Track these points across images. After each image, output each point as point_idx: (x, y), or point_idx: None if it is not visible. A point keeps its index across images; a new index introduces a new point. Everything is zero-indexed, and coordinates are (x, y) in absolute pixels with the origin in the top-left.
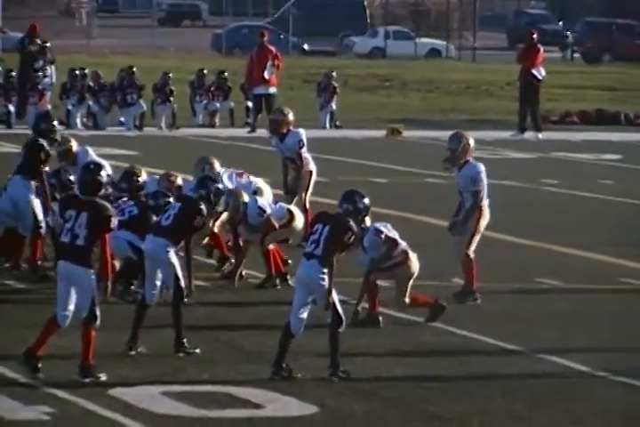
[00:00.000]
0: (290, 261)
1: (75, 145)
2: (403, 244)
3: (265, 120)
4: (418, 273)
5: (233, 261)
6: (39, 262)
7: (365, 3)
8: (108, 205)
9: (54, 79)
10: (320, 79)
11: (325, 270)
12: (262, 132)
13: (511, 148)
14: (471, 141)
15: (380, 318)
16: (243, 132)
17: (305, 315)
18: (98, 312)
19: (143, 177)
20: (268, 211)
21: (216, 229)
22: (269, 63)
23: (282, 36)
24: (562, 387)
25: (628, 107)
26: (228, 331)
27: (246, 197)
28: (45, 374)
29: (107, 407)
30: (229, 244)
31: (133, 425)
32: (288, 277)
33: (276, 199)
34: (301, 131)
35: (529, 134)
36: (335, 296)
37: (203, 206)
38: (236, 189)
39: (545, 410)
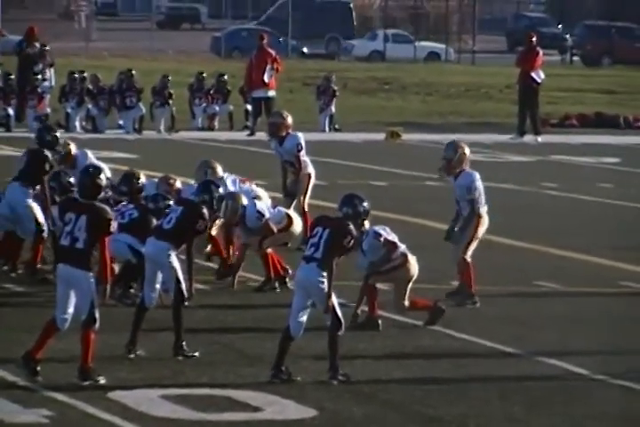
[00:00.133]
0: (290, 272)
1: (74, 148)
2: (402, 247)
3: (264, 123)
4: (417, 276)
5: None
6: (38, 265)
7: (352, 5)
8: (107, 208)
9: (53, 82)
10: (319, 82)
11: (325, 274)
12: (261, 135)
13: (510, 151)
14: (467, 151)
15: (380, 322)
16: (242, 135)
17: (304, 318)
18: (97, 315)
19: (142, 180)
20: (267, 215)
21: (214, 233)
22: (269, 66)
23: (281, 39)
24: (560, 390)
25: (627, 110)
26: (227, 334)
27: (245, 200)
28: (44, 377)
29: (105, 410)
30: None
31: None
32: (287, 280)
33: (275, 203)
34: (300, 134)
35: (528, 137)
36: (334, 299)
37: (205, 210)
38: (236, 193)
39: (543, 413)
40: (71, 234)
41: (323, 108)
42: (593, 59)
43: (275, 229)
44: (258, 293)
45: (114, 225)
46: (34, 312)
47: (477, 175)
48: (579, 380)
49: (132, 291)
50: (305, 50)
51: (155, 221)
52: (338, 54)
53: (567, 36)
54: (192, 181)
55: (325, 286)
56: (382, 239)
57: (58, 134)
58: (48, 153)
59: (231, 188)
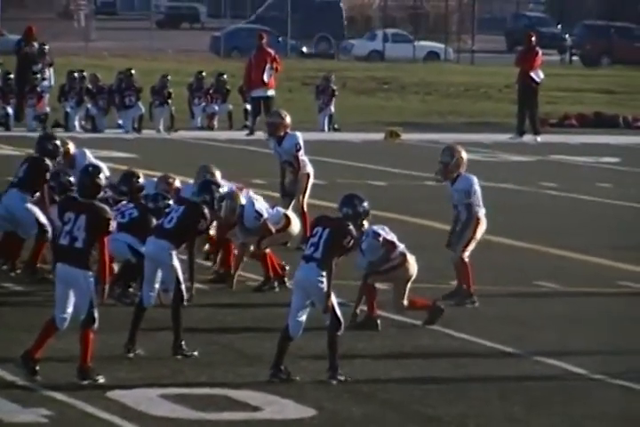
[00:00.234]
0: (287, 268)
1: (72, 147)
2: (401, 246)
3: (263, 123)
4: (416, 276)
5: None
6: (37, 265)
7: (341, 4)
8: (106, 207)
9: (53, 82)
10: (319, 82)
11: (324, 274)
12: (261, 134)
13: (510, 150)
14: (464, 155)
15: (379, 321)
16: (241, 134)
17: (303, 318)
18: (96, 315)
19: (142, 179)
20: (265, 215)
21: (212, 232)
22: (268, 66)
23: (280, 39)
24: (559, 390)
25: (626, 110)
26: (226, 333)
27: (243, 200)
28: (43, 376)
29: (105, 410)
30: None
31: None
32: (286, 279)
33: (274, 203)
34: (298, 134)
35: (527, 137)
36: (334, 299)
37: (206, 210)
38: (234, 191)
39: (542, 413)
40: (70, 233)
41: (322, 107)
42: (592, 59)
43: (273, 230)
44: (257, 292)
45: (113, 224)
46: (33, 311)
47: (475, 179)
48: (578, 380)
49: (130, 290)
50: (304, 49)
51: (154, 221)
52: (328, 54)
53: (566, 35)
54: (191, 181)
55: (325, 285)
56: (381, 239)
57: (58, 143)
58: (49, 162)
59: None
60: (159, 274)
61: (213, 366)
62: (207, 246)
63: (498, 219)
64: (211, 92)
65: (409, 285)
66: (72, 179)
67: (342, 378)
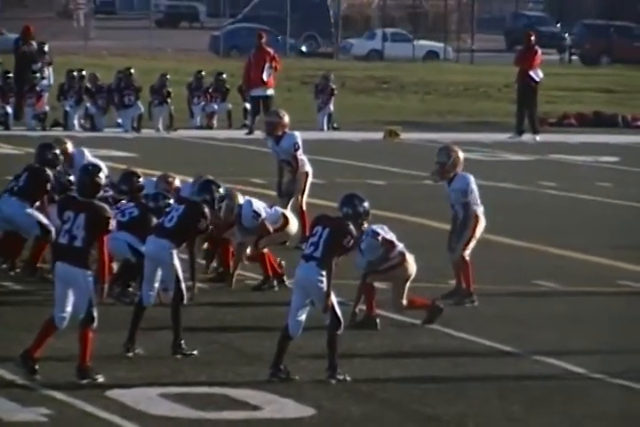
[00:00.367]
0: (283, 263)
1: (70, 146)
2: (400, 246)
3: (263, 122)
4: (415, 275)
5: (213, 266)
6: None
7: (329, 2)
8: (106, 206)
9: (52, 81)
10: (318, 81)
11: (324, 273)
12: (260, 133)
13: (509, 150)
14: (460, 155)
15: (378, 320)
16: (240, 133)
17: (303, 317)
18: (95, 314)
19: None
20: (263, 215)
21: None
22: (267, 65)
23: (279, 38)
24: (559, 389)
25: (625, 109)
26: (225, 333)
27: (241, 199)
28: (43, 375)
29: (104, 409)
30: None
31: None
32: (285, 278)
33: (271, 203)
34: (297, 133)
35: (527, 136)
36: (334, 299)
37: (206, 209)
38: (232, 191)
39: (542, 412)
40: (69, 232)
41: (321, 106)
42: (591, 58)
43: (271, 229)
44: (256, 291)
45: (112, 223)
46: (32, 311)
47: (472, 178)
48: (578, 379)
49: (130, 289)
50: (304, 48)
51: (155, 220)
52: (316, 52)
53: (566, 35)
54: (190, 180)
55: (324, 285)
56: (380, 238)
57: (58, 152)
58: (50, 172)
59: None
60: (159, 273)
61: (213, 365)
62: (206, 245)
63: (497, 218)
64: (210, 91)
65: (408, 284)
66: (72, 178)
67: (341, 377)
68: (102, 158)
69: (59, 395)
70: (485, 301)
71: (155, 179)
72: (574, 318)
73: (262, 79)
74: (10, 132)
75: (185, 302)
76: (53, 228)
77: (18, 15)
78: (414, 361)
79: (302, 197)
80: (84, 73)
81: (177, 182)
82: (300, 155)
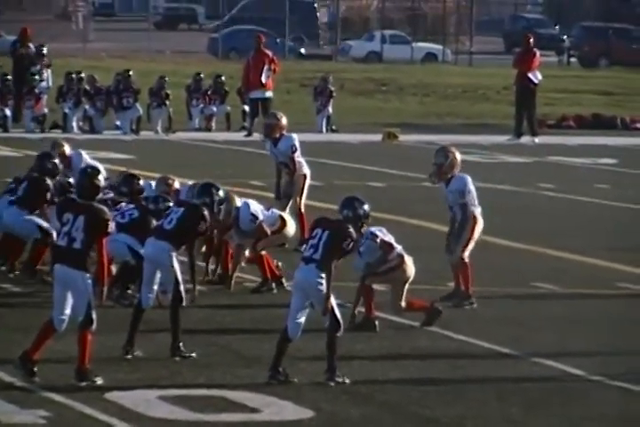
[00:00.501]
0: (280, 264)
1: (68, 149)
2: (398, 248)
3: (261, 124)
4: (414, 277)
5: (211, 268)
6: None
7: (316, 5)
8: (105, 208)
9: (51, 83)
10: (316, 83)
11: (323, 275)
12: (258, 136)
13: (507, 152)
14: (458, 156)
15: (377, 322)
16: (239, 136)
17: (302, 319)
18: (94, 316)
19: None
20: (261, 217)
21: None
22: (266, 67)
23: (278, 40)
24: (558, 391)
25: (624, 111)
26: (224, 335)
27: (239, 202)
28: (42, 377)
29: (103, 411)
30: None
31: None
32: (284, 280)
33: (269, 205)
34: (294, 135)
35: (525, 139)
36: (333, 301)
37: (206, 212)
38: (229, 194)
39: (540, 414)
40: (68, 234)
41: (320, 108)
42: (590, 60)
43: (268, 232)
44: (255, 294)
45: (111, 226)
46: (31, 313)
47: (469, 178)
48: (576, 381)
49: (129, 292)
50: (302, 50)
51: (154, 223)
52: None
53: (564, 37)
54: (190, 182)
55: (324, 287)
56: (379, 240)
57: (57, 161)
58: (49, 182)
59: None
60: (158, 275)
61: (212, 367)
62: (204, 248)
63: (495, 220)
64: (209, 93)
65: (407, 286)
66: (72, 180)
67: (340, 379)
68: (101, 160)
69: (57, 397)
70: (484, 303)
71: (152, 182)
72: (573, 320)
73: (261, 81)
74: (8, 134)
75: (184, 304)
76: (54, 230)
77: (16, 17)
78: (413, 363)
79: (301, 199)
80: (82, 75)
81: (176, 185)
82: (298, 157)
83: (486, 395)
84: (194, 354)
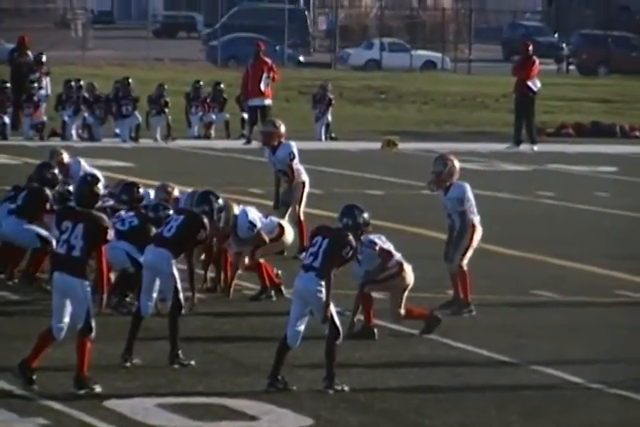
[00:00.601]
0: (280, 272)
1: (66, 157)
2: (397, 255)
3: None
4: (413, 285)
5: (210, 276)
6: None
7: (307, 13)
8: (104, 216)
9: (49, 91)
10: (315, 91)
11: (323, 283)
12: (258, 143)
13: (506, 160)
14: (456, 164)
15: (376, 330)
16: (238, 143)
17: (302, 327)
18: (93, 324)
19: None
20: (259, 225)
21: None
22: (265, 75)
23: (277, 48)
24: (557, 399)
25: (623, 119)
26: (223, 343)
27: (237, 210)
28: (40, 385)
29: (102, 419)
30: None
31: None
32: (282, 288)
33: (267, 213)
34: (292, 143)
35: (524, 146)
36: (333, 309)
37: (206, 220)
38: (227, 202)
39: (540, 422)
40: (67, 242)
41: (319, 116)
42: (589, 68)
43: (267, 239)
44: (254, 301)
45: (111, 233)
46: (30, 321)
47: (468, 186)
48: (576, 389)
49: (127, 299)
50: (301, 58)
51: (154, 230)
52: (313, 62)
53: (563, 45)
54: (189, 190)
55: (324, 295)
56: (377, 248)
57: (56, 171)
58: (49, 192)
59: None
60: (157, 283)
61: (210, 375)
62: (203, 255)
63: (494, 228)
64: (208, 101)
65: (406, 294)
66: (71, 188)
67: (339, 387)
68: (100, 168)
69: (56, 405)
70: (483, 311)
71: (150, 190)
72: (572, 327)
73: (260, 89)
74: (7, 142)
75: (183, 312)
76: (53, 239)
77: (15, 25)
78: (412, 371)
79: (300, 206)
80: (81, 83)
81: (176, 192)
82: (296, 164)
83: (485, 403)
84: (192, 362)
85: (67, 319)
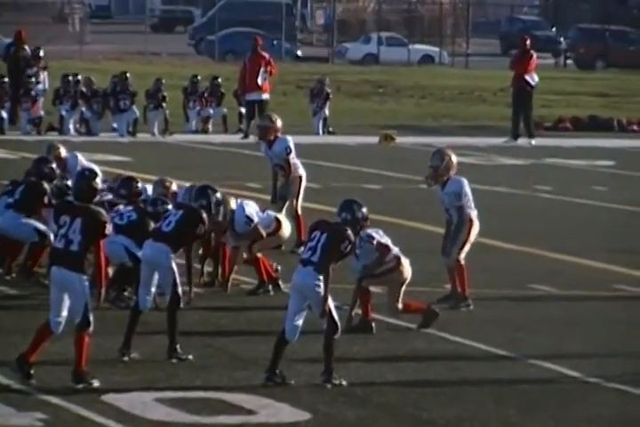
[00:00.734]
0: (279, 267)
1: (63, 151)
2: (395, 250)
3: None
4: (410, 279)
5: (207, 270)
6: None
7: (294, 8)
8: (102, 211)
9: (47, 85)
10: (313, 85)
11: (321, 277)
12: (255, 138)
13: (504, 154)
14: (454, 158)
15: (373, 324)
16: (236, 138)
17: (300, 322)
18: (91, 318)
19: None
20: (256, 219)
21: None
22: (262, 69)
23: (275, 42)
24: (555, 393)
25: (621, 113)
26: (220, 337)
27: (234, 205)
28: (38, 380)
29: (100, 414)
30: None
31: None
32: (280, 282)
33: (264, 207)
34: (289, 137)
35: (522, 140)
36: (331, 303)
37: (204, 215)
38: (225, 196)
39: (537, 416)
40: (65, 237)
41: (316, 111)
42: (587, 62)
43: (264, 234)
44: (251, 296)
45: (109, 228)
46: (28, 315)
47: (465, 181)
48: (573, 383)
49: (125, 294)
50: (299, 53)
51: (152, 225)
52: (311, 56)
53: (561, 39)
54: (187, 184)
55: (322, 289)
56: (375, 242)
57: (54, 166)
58: (47, 186)
59: None
60: (155, 277)
61: (208, 369)
62: (201, 250)
63: (492, 222)
64: (205, 95)
65: (403, 288)
66: (69, 183)
67: (337, 382)
68: (97, 163)
69: (54, 399)
70: (481, 305)
71: (148, 185)
72: (570, 321)
73: (257, 83)
74: (5, 136)
75: (181, 306)
76: (51, 233)
77: (13, 20)
78: (410, 365)
79: (297, 201)
80: (79, 77)
81: (174, 187)
82: (293, 159)
83: (483, 397)
84: (190, 356)
85: (65, 313)
